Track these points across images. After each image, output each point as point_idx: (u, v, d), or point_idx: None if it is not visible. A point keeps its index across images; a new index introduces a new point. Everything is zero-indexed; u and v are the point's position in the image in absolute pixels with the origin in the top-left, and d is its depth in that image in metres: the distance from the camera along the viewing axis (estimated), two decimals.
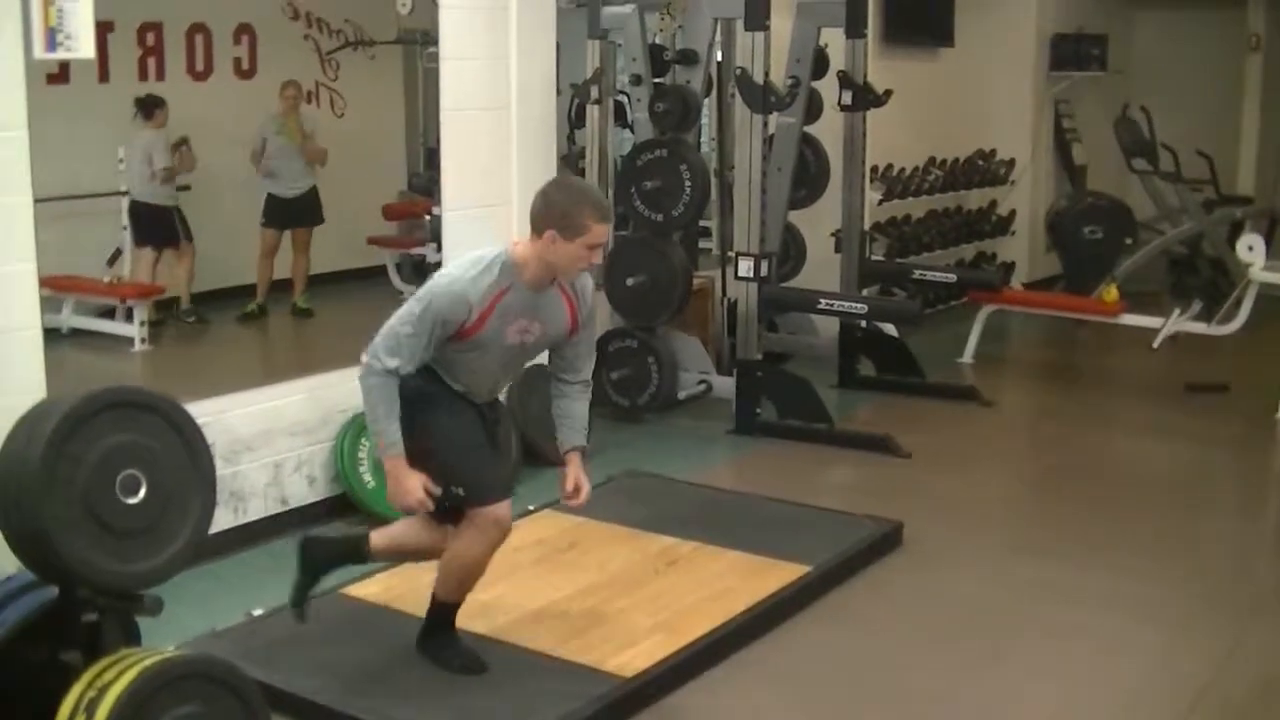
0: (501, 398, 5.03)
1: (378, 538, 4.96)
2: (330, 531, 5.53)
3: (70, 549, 3.60)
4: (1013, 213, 12.71)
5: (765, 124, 8.11)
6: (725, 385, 8.45)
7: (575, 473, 4.87)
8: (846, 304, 8.47)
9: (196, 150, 9.50)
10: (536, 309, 4.63)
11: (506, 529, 4.67)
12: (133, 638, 3.97)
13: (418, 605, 5.04)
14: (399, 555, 5.15)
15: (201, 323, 9.37)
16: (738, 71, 8.02)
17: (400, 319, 4.47)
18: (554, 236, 4.47)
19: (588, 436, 4.97)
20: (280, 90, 9.88)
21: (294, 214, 9.92)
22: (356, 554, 5.01)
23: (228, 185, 9.89)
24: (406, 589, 5.42)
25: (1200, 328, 9.61)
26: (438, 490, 4.50)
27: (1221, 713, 4.76)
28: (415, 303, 4.48)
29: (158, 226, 9.25)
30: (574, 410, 4.93)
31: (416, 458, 4.51)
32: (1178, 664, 5.11)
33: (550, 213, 4.50)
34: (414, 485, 4.47)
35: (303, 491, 6.43)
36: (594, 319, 4.93)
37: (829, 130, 9.27)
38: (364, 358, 4.48)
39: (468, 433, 4.64)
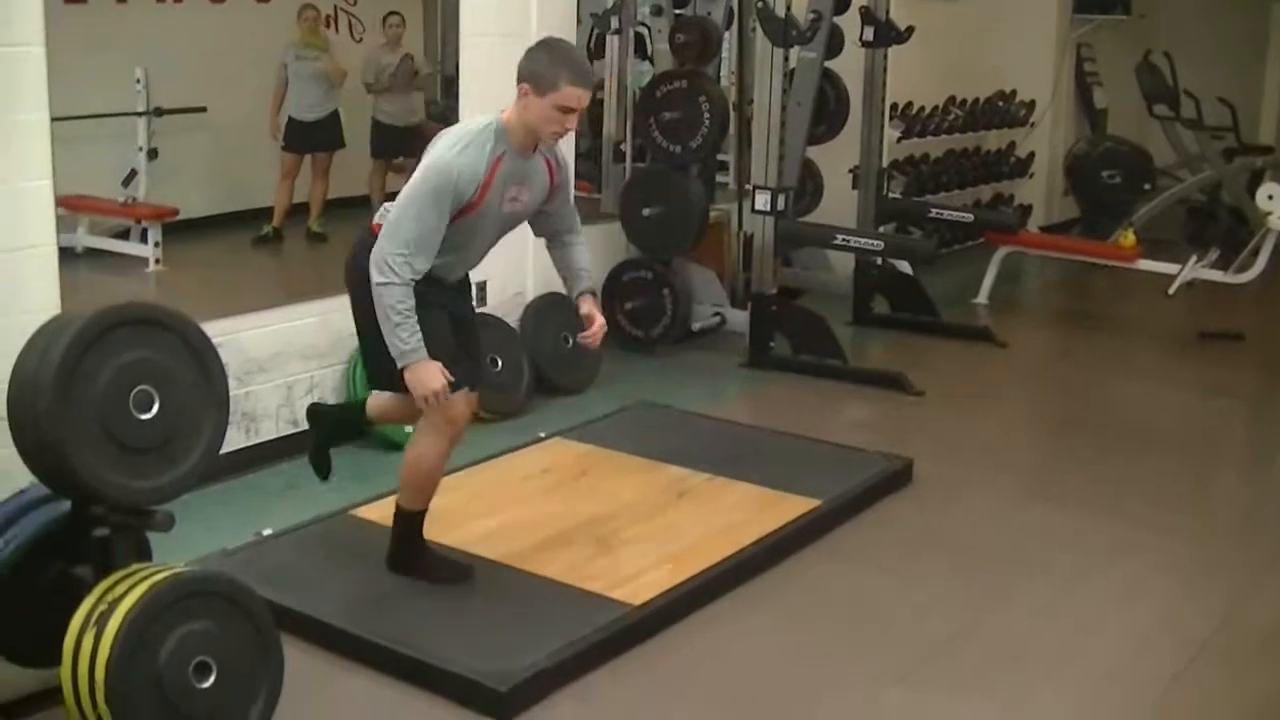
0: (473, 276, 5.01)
1: (372, 406, 5.11)
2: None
3: (83, 464, 3.60)
4: (1031, 155, 12.65)
5: (786, 58, 8.07)
6: (739, 319, 8.44)
7: (589, 308, 4.92)
8: (863, 240, 8.44)
9: (213, 76, 9.48)
10: (525, 176, 4.62)
11: (460, 426, 4.70)
12: (144, 554, 3.99)
13: (425, 529, 5.03)
14: (393, 419, 5.28)
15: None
16: (759, 4, 7.95)
17: (409, 216, 4.38)
18: (527, 91, 4.44)
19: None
20: (298, 14, 9.83)
21: (314, 138, 9.89)
22: (355, 416, 5.25)
23: (245, 110, 9.85)
24: None
25: (1217, 275, 9.57)
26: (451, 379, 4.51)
27: (1225, 662, 4.75)
28: (422, 192, 4.39)
29: None
30: (578, 258, 4.99)
31: (380, 351, 4.50)
32: (1184, 612, 5.11)
33: (528, 67, 4.48)
34: (436, 372, 4.46)
35: None
36: (570, 181, 4.93)
37: (849, 66, 9.22)
38: (374, 273, 4.38)
39: (432, 326, 4.51)
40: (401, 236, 4.38)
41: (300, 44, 9.81)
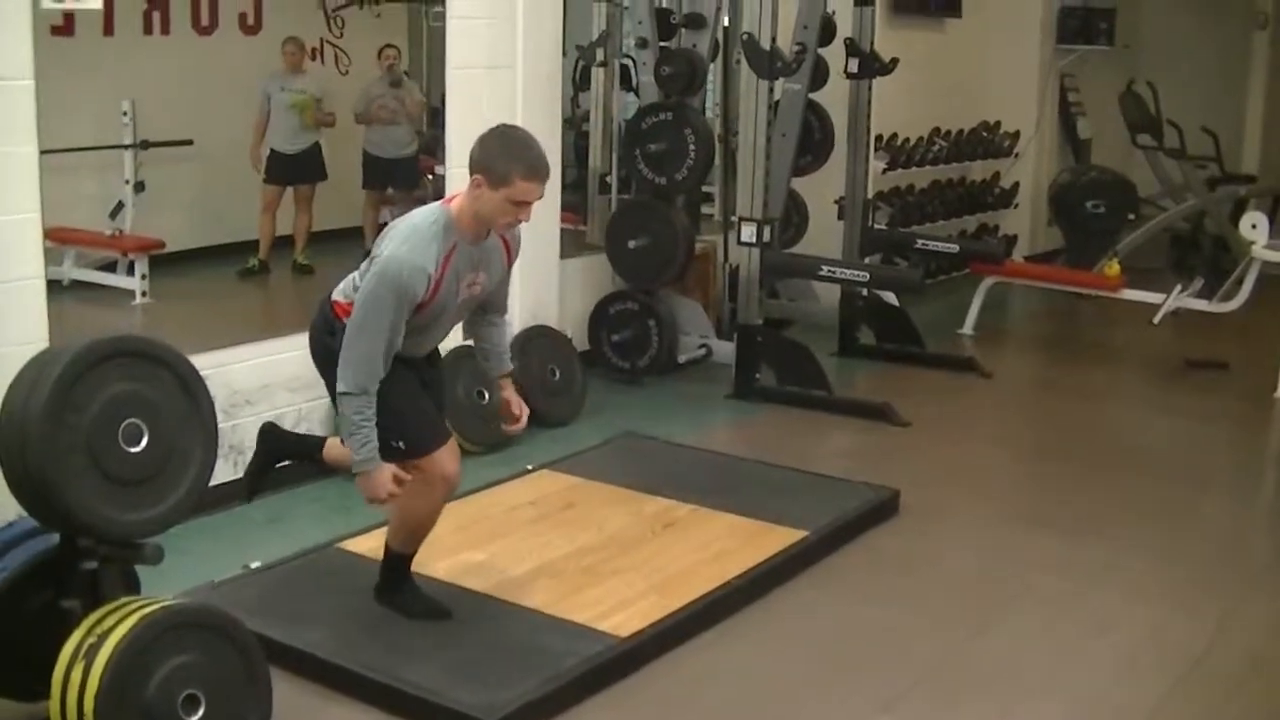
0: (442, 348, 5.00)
1: (330, 448, 5.08)
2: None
3: (72, 496, 3.61)
4: (1016, 185, 12.70)
5: (771, 90, 8.10)
6: (725, 350, 8.46)
7: (512, 396, 4.94)
8: (848, 271, 8.46)
9: (200, 108, 9.50)
10: (480, 260, 4.56)
11: (453, 480, 4.70)
12: (133, 586, 4.00)
13: (416, 558, 5.06)
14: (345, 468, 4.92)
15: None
16: (744, 36, 7.99)
17: (366, 331, 4.35)
18: (480, 182, 4.36)
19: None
20: (281, 47, 9.86)
21: (296, 170, 9.91)
22: (309, 452, 5.22)
23: (232, 142, 9.87)
24: None
25: (1201, 305, 9.60)
26: (407, 477, 4.52)
27: (1210, 686, 4.77)
28: (374, 304, 4.33)
29: None
30: (499, 339, 4.97)
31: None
32: (1168, 637, 5.12)
33: (481, 158, 4.39)
34: (386, 479, 4.46)
35: None
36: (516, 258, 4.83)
37: (834, 98, 9.27)
38: (339, 380, 4.38)
39: (402, 389, 4.51)
40: (360, 351, 4.36)
41: (284, 75, 9.84)
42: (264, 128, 9.85)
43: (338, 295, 4.58)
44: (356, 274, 4.51)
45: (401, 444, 4.52)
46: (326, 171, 10.01)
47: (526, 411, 4.96)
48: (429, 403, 4.71)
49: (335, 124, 10.08)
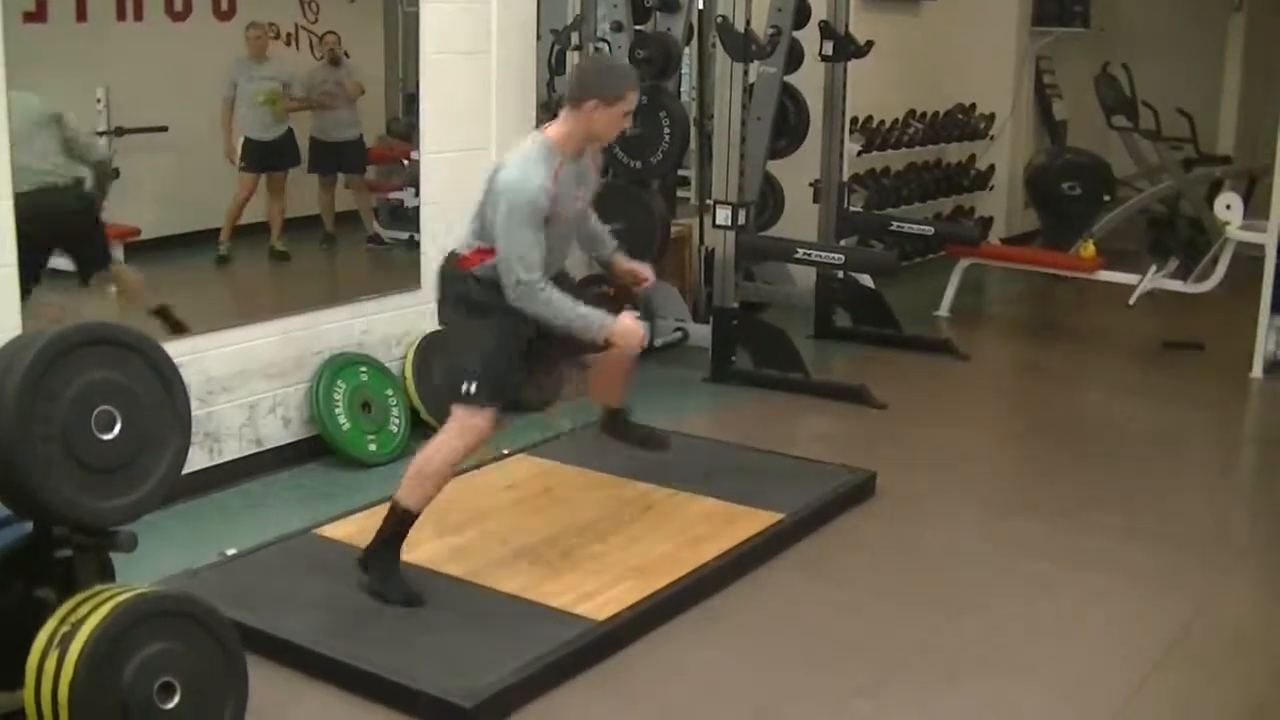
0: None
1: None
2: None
3: (45, 484, 3.59)
4: (992, 167, 12.72)
5: (746, 73, 8.09)
6: (701, 333, 8.46)
7: (625, 265, 5.66)
8: (824, 254, 8.46)
9: (175, 95, 9.44)
10: (580, 175, 5.15)
11: (484, 437, 5.00)
12: (108, 575, 3.98)
13: None
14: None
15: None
16: (719, 20, 7.99)
17: (513, 241, 4.84)
18: (595, 105, 4.98)
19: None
20: (245, 31, 9.77)
21: (274, 157, 9.85)
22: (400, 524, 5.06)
23: (208, 129, 9.82)
24: None
25: (1177, 285, 9.63)
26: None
27: (1190, 667, 4.79)
28: (511, 221, 4.84)
29: None
30: (601, 231, 5.66)
31: (453, 348, 5.23)
32: (1149, 618, 5.14)
33: (593, 85, 5.05)
34: (631, 323, 5.04)
35: (278, 433, 6.44)
36: None
37: (809, 81, 9.26)
38: (521, 301, 4.86)
39: (508, 343, 5.00)
40: (516, 262, 4.84)
41: (250, 63, 9.76)
42: (229, 117, 9.78)
43: (460, 249, 5.09)
44: (469, 231, 5.06)
45: (472, 389, 4.92)
46: (300, 157, 9.96)
47: (649, 270, 5.70)
48: (518, 369, 5.11)
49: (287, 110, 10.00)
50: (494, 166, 5.10)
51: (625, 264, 5.66)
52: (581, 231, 5.48)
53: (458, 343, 5.18)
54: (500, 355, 4.98)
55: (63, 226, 6.62)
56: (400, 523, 4.96)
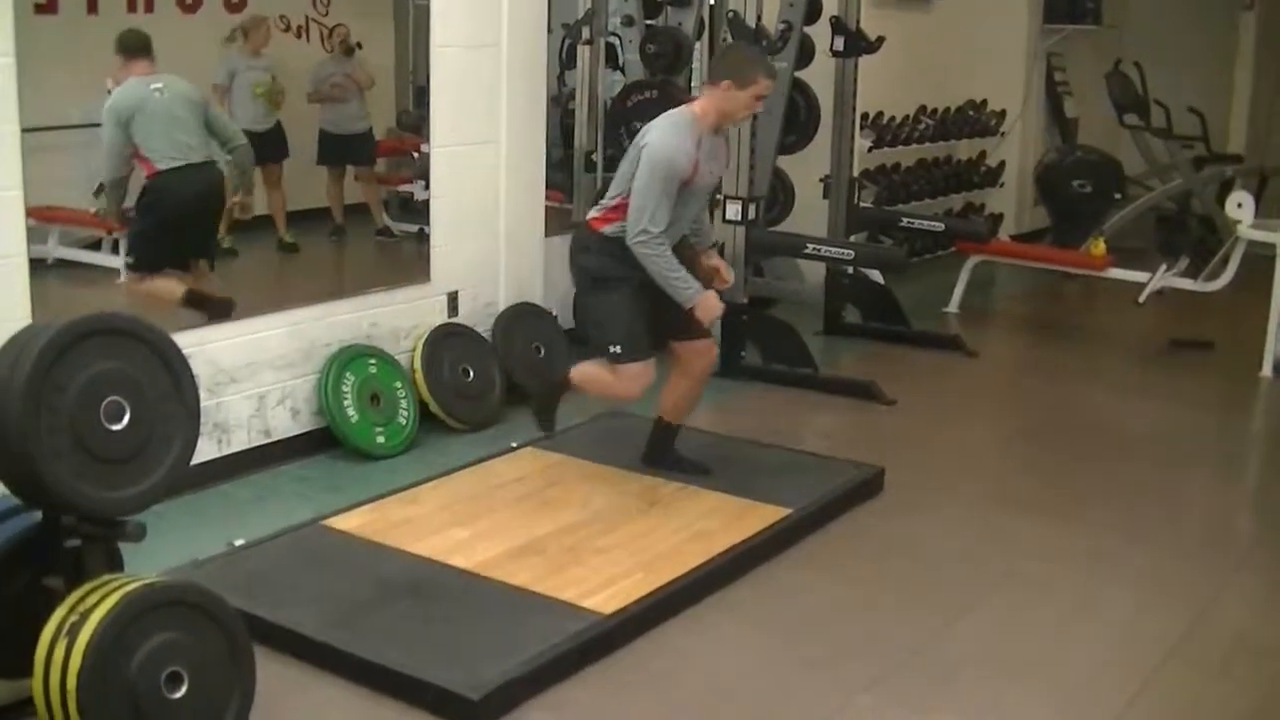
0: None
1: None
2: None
3: (54, 474, 3.60)
4: (1002, 164, 12.70)
5: None
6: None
7: (714, 262, 6.13)
8: (834, 249, 8.45)
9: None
10: (715, 151, 5.80)
11: (646, 383, 5.93)
12: (116, 565, 3.99)
13: (396, 539, 5.23)
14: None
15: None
16: (730, 15, 7.98)
17: (648, 195, 5.49)
18: (729, 86, 5.63)
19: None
20: (246, 22, 9.73)
21: (264, 149, 9.84)
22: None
23: None
24: (385, 524, 5.47)
25: (1187, 284, 9.61)
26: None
27: (1194, 668, 4.78)
28: (653, 178, 5.48)
29: None
30: (705, 224, 6.29)
31: (592, 320, 6.10)
32: (1152, 619, 5.14)
33: (728, 69, 5.72)
34: (715, 300, 5.73)
35: (286, 424, 6.45)
36: None
37: (820, 76, 9.25)
38: (638, 250, 5.53)
39: (633, 307, 5.75)
40: (645, 212, 5.50)
41: (247, 55, 9.75)
42: (223, 93, 9.76)
43: (592, 214, 5.86)
44: (606, 196, 5.78)
45: (619, 350, 5.80)
46: (289, 149, 9.95)
47: (731, 270, 6.25)
48: (647, 321, 5.82)
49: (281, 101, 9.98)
50: (642, 131, 5.71)
51: (712, 261, 6.10)
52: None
53: (595, 317, 6.02)
54: (635, 321, 5.77)
55: (191, 206, 6.85)
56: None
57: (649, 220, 5.48)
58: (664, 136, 5.57)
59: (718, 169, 5.94)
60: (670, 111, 5.76)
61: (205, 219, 7.11)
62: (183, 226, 6.89)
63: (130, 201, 7.20)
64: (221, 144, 7.10)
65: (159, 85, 6.83)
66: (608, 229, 5.70)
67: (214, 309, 6.55)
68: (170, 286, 6.69)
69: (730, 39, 8.03)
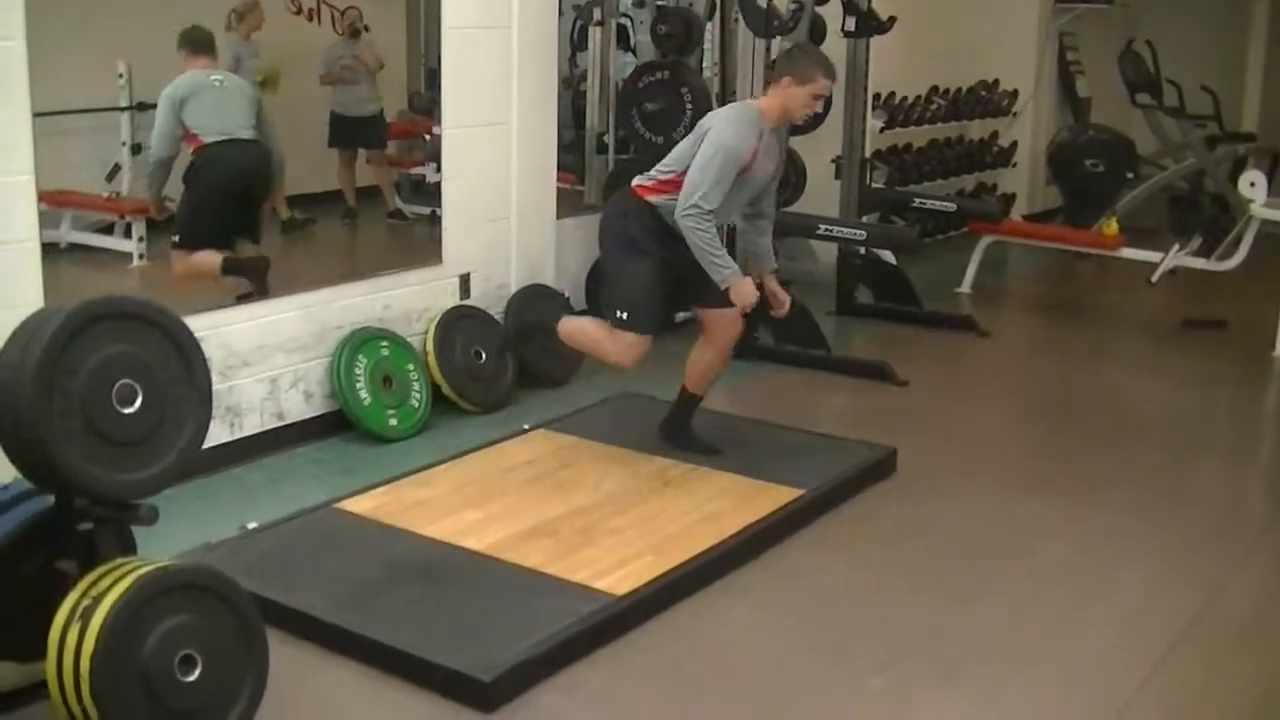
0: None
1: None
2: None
3: (66, 458, 3.60)
4: (1014, 144, 12.69)
5: (768, 48, 8.08)
6: None
7: (773, 287, 6.32)
8: (846, 230, 8.44)
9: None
10: (773, 148, 6.01)
11: (636, 356, 6.01)
12: (129, 548, 3.99)
13: (409, 521, 5.22)
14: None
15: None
16: None
17: (706, 173, 5.64)
18: (789, 83, 5.84)
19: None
20: (248, 8, 9.72)
21: None
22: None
23: None
24: (398, 506, 5.47)
25: (1200, 263, 9.59)
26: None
27: (1206, 650, 4.76)
28: (713, 160, 5.64)
29: None
30: (762, 244, 6.38)
31: (610, 279, 6.18)
32: (1164, 602, 5.12)
33: (789, 66, 5.93)
34: (750, 287, 5.82)
35: (299, 407, 6.45)
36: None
37: (832, 56, 9.14)
38: (685, 224, 5.65)
39: (652, 280, 5.90)
40: (700, 189, 5.64)
41: (245, 40, 9.73)
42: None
43: (638, 181, 5.96)
44: (656, 169, 5.93)
45: (624, 317, 5.91)
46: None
47: (788, 299, 6.40)
48: (663, 299, 6.00)
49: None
50: (708, 115, 6.02)
51: (773, 286, 6.31)
52: (748, 231, 6.35)
53: (614, 276, 6.10)
54: (654, 293, 5.90)
55: (236, 179, 7.05)
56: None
57: (701, 197, 5.62)
58: (731, 124, 5.77)
59: (770, 166, 6.03)
60: (737, 103, 6.14)
61: (250, 194, 7.25)
62: (228, 200, 7.04)
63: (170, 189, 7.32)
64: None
65: (219, 78, 7.09)
66: (655, 199, 5.86)
67: (252, 270, 6.76)
68: (210, 259, 6.85)
69: (741, 19, 8.02)
